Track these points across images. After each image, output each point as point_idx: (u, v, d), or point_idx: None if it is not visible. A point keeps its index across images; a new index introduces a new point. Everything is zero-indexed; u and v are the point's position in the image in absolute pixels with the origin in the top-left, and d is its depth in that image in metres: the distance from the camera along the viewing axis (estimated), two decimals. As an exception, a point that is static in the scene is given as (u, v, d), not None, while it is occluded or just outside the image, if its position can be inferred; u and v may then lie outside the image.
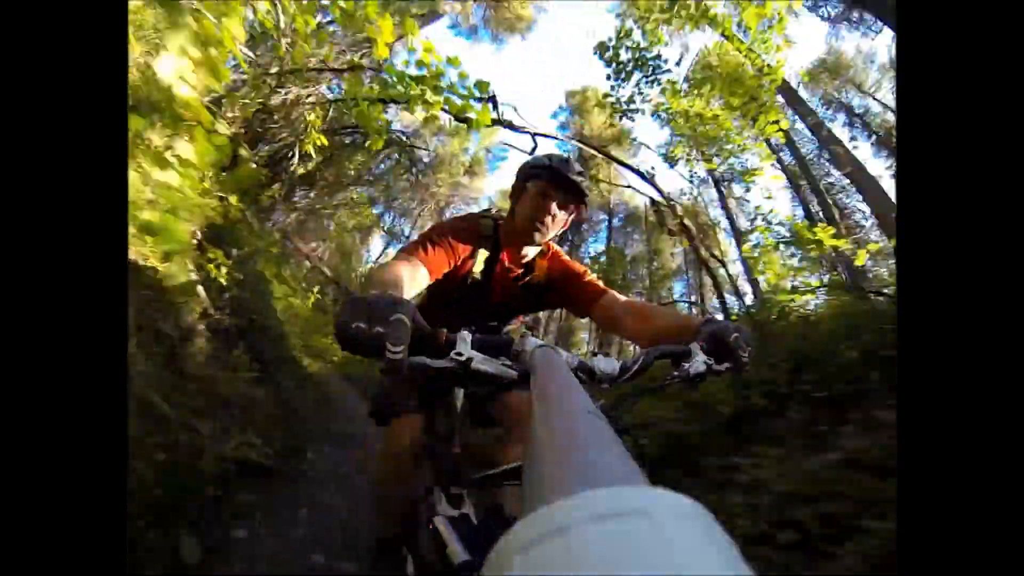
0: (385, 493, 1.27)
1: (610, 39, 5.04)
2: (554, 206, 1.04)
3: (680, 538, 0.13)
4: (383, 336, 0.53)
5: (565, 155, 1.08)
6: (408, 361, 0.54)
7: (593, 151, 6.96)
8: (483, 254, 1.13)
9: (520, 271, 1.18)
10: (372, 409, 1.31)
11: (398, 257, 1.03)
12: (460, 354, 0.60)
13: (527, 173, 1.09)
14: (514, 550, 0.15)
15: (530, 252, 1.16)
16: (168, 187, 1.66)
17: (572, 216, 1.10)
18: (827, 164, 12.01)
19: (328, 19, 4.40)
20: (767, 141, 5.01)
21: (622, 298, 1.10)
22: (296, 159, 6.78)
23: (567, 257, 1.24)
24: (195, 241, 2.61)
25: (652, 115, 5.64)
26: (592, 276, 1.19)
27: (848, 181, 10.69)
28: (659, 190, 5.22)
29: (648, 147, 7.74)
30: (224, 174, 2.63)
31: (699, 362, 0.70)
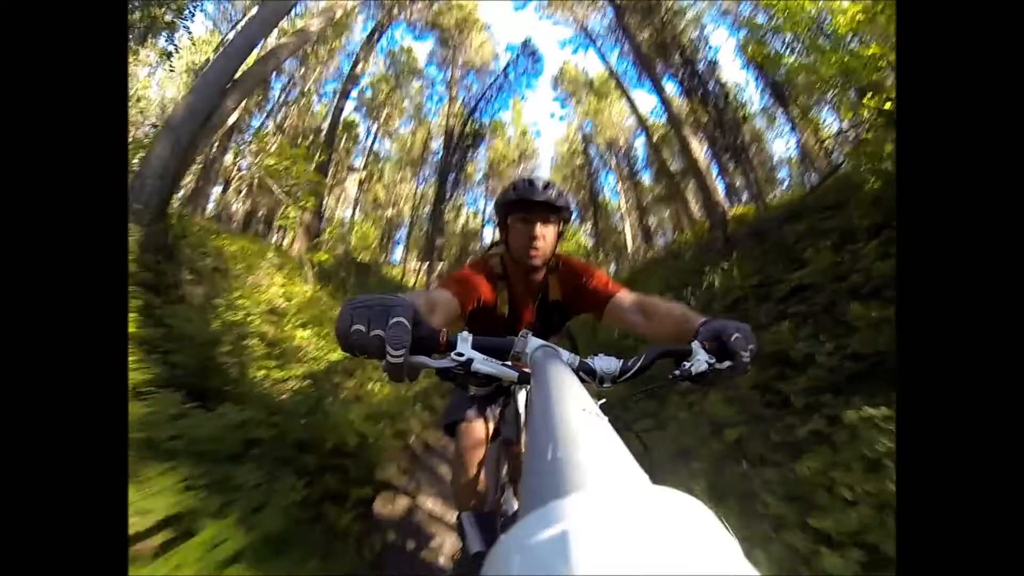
0: (457, 489, 1.36)
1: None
2: (537, 228, 1.11)
3: (682, 537, 0.13)
4: (382, 339, 0.52)
5: (529, 178, 1.13)
6: (409, 361, 0.54)
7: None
8: (504, 292, 1.22)
9: (536, 295, 1.25)
10: (443, 422, 1.42)
11: (430, 289, 1.10)
12: (460, 354, 0.59)
13: (503, 209, 1.16)
14: (514, 549, 0.15)
15: (539, 274, 1.22)
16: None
17: (560, 227, 1.16)
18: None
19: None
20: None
21: (632, 296, 1.12)
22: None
23: (577, 262, 1.28)
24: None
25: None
26: (603, 276, 1.22)
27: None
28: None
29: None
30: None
31: (701, 361, 0.70)
